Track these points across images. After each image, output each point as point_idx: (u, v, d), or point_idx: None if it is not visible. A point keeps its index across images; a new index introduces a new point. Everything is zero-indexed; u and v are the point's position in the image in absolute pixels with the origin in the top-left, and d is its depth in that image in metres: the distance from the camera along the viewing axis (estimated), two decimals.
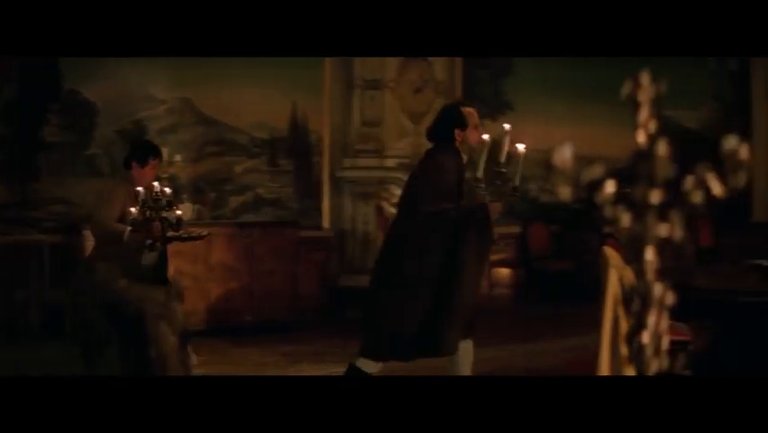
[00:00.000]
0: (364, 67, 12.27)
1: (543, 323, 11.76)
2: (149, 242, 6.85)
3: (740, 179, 2.26)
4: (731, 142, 2.30)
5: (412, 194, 6.44)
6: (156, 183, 6.87)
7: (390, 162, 12.12)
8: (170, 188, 7.11)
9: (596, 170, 2.31)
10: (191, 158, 11.47)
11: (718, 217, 13.99)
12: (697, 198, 2.29)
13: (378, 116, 12.32)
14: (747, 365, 6.92)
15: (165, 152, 9.89)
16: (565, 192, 2.29)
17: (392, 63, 12.27)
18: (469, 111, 6.64)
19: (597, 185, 2.31)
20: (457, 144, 6.48)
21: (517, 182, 6.30)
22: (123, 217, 6.83)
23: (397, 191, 11.50)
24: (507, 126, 6.27)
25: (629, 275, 4.87)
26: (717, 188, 2.31)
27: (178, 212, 6.93)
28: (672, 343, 7.49)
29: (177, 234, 6.92)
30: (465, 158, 6.53)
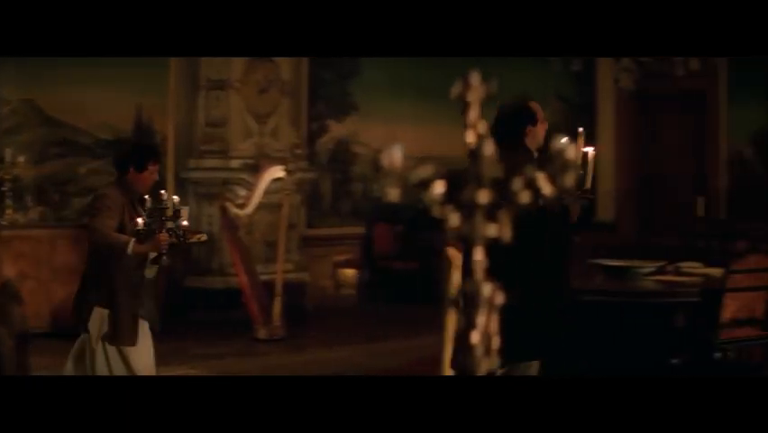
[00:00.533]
0: (210, 67, 12.18)
1: (388, 323, 11.81)
2: (153, 255, 6.57)
3: (568, 180, 2.27)
4: (559, 143, 2.31)
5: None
6: (163, 191, 6.58)
7: (235, 163, 12.05)
8: (177, 195, 6.86)
9: (425, 171, 2.29)
10: (35, 159, 11.27)
11: None
12: (525, 198, 2.30)
13: (223, 117, 12.26)
14: (593, 364, 7.04)
15: (8, 153, 9.64)
16: (393, 193, 2.27)
17: (238, 63, 12.21)
18: (536, 106, 6.40)
19: (427, 185, 2.30)
20: (527, 141, 6.21)
21: (588, 184, 6.22)
22: (122, 228, 6.48)
23: (242, 192, 11.43)
24: (580, 129, 6.28)
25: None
26: (546, 189, 2.32)
27: (185, 222, 6.57)
28: None
29: (191, 240, 6.82)
30: (536, 155, 6.24)
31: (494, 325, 2.37)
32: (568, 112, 15.86)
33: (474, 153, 2.32)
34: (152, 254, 6.54)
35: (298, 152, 12.43)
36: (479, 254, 2.33)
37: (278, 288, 10.93)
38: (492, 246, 2.09)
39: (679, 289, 6.79)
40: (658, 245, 12.57)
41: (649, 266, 7.97)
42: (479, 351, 2.37)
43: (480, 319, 2.36)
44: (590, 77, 15.97)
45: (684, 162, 15.78)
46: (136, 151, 6.91)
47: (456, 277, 5.05)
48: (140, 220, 6.30)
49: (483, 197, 2.29)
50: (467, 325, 2.36)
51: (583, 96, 16.07)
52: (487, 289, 2.35)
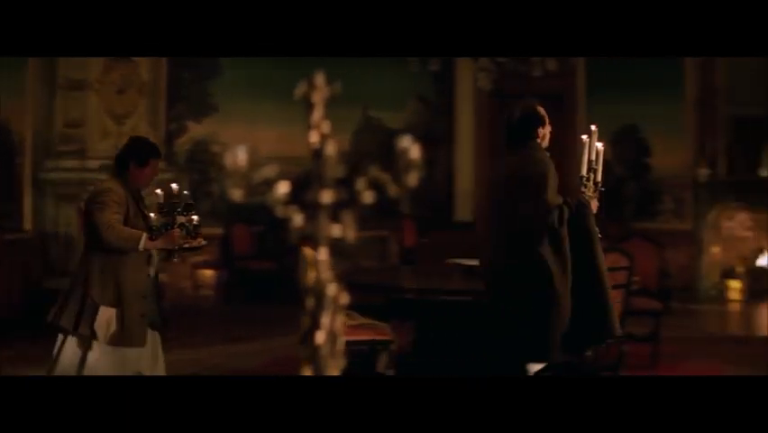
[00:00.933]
0: (68, 67, 12.01)
1: (246, 324, 11.78)
2: (164, 251, 6.37)
3: (412, 179, 2.29)
4: (402, 142, 2.32)
5: (537, 190, 6.35)
6: (174, 185, 6.41)
7: (93, 164, 11.89)
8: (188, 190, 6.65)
9: (268, 171, 2.29)
10: None
11: (422, 218, 14.36)
12: (368, 198, 2.31)
13: (81, 117, 12.10)
14: (450, 363, 7.09)
15: None
16: (237, 193, 2.27)
17: (96, 63, 12.07)
18: (542, 109, 6.73)
19: (270, 185, 2.30)
20: (539, 142, 6.60)
21: (599, 178, 6.71)
22: (125, 223, 6.26)
23: None
24: (593, 127, 6.76)
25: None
26: (392, 189, 2.34)
27: (195, 217, 6.41)
28: (374, 342, 7.59)
29: (191, 245, 6.42)
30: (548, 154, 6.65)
31: (339, 325, 2.38)
32: (427, 112, 15.98)
33: (318, 153, 2.33)
34: (163, 251, 6.42)
35: None
36: (323, 254, 2.34)
37: None
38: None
39: None
40: None
41: None
42: (324, 351, 2.38)
43: (325, 320, 2.36)
44: (449, 77, 16.08)
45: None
46: (137, 145, 6.63)
47: (311, 276, 5.10)
48: (153, 215, 6.20)
49: (326, 197, 2.30)
50: (312, 325, 2.36)
51: (442, 96, 16.19)
52: (332, 289, 2.35)
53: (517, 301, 6.25)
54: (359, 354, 7.13)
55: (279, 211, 2.28)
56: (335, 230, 2.31)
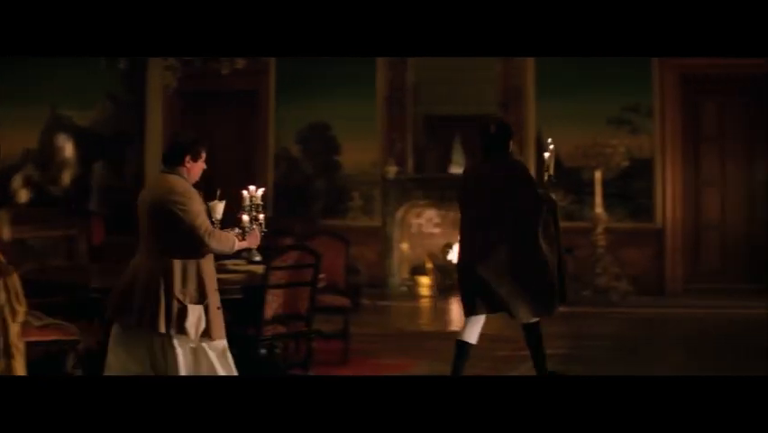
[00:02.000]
0: None
1: None
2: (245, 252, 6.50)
3: (65, 178, 2.16)
4: (57, 141, 2.19)
5: (525, 189, 7.84)
6: (252, 186, 6.55)
7: None
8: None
9: None
10: None
11: (110, 216, 14.05)
12: (23, 196, 2.17)
13: None
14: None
15: None
16: None
17: None
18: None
19: None
20: (510, 151, 8.18)
21: (552, 171, 8.24)
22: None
23: None
24: (549, 140, 8.33)
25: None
26: (50, 188, 2.20)
27: (261, 216, 6.57)
28: (61, 343, 7.37)
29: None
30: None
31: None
32: (116, 110, 15.65)
33: None
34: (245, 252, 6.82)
35: None
36: None
37: None
38: None
39: (222, 286, 6.80)
40: None
41: None
42: None
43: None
44: (139, 74, 15.76)
45: (237, 159, 16.01)
46: (188, 140, 6.53)
47: None
48: (245, 217, 6.46)
49: None
50: None
51: (132, 93, 15.87)
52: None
53: (518, 267, 7.75)
54: (47, 355, 7.05)
55: None
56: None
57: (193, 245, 6.23)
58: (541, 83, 15.05)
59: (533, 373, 7.99)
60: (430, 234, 15.90)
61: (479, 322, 7.84)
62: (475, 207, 7.89)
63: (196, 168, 6.43)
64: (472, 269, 7.74)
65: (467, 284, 7.83)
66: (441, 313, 13.28)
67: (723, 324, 11.75)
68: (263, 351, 7.68)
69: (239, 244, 6.44)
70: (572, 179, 14.21)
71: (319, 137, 15.79)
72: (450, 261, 14.39)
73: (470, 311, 7.81)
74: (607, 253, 13.82)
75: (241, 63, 12.20)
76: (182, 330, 6.20)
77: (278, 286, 7.58)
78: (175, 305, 6.20)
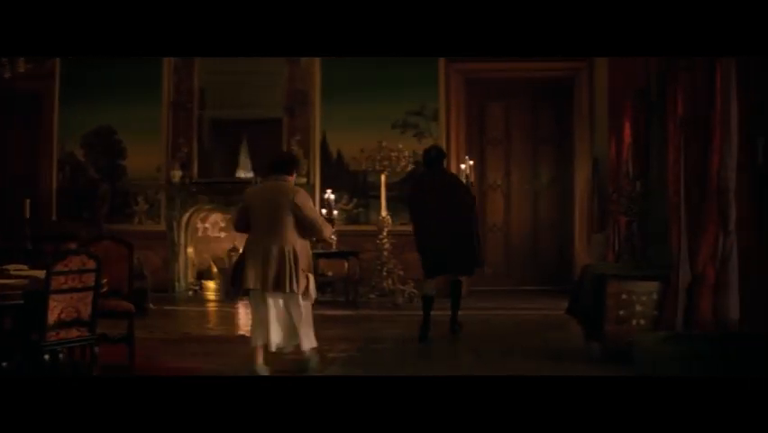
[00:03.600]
0: None
1: None
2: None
3: None
4: None
5: (464, 189, 11.17)
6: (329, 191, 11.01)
7: None
8: None
9: None
10: None
11: None
12: None
13: None
14: None
15: None
16: None
17: None
18: None
19: None
20: (443, 166, 11.45)
21: (472, 178, 12.80)
22: None
23: None
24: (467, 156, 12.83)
25: None
26: None
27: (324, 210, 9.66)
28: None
29: None
30: None
31: None
32: None
33: None
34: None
35: None
36: None
37: None
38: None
39: (3, 292, 6.64)
40: None
41: None
42: None
43: None
44: None
45: (20, 163, 15.68)
46: (294, 159, 9.56)
47: None
48: (336, 212, 9.47)
49: None
50: None
51: None
52: None
53: (463, 244, 10.73)
54: None
55: None
56: None
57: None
58: (326, 87, 15.21)
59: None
60: (216, 239, 15.91)
61: (434, 281, 10.92)
62: (429, 203, 10.77)
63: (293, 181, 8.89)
64: (430, 246, 10.71)
65: (427, 256, 10.76)
66: (227, 317, 13.24)
67: (509, 325, 12.05)
68: (47, 357, 7.52)
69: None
70: (358, 183, 14.40)
71: (104, 141, 15.60)
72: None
73: (429, 274, 10.84)
74: (392, 256, 14.02)
75: (23, 66, 11.86)
76: (309, 292, 8.55)
77: (60, 291, 7.43)
78: (301, 272, 8.41)
